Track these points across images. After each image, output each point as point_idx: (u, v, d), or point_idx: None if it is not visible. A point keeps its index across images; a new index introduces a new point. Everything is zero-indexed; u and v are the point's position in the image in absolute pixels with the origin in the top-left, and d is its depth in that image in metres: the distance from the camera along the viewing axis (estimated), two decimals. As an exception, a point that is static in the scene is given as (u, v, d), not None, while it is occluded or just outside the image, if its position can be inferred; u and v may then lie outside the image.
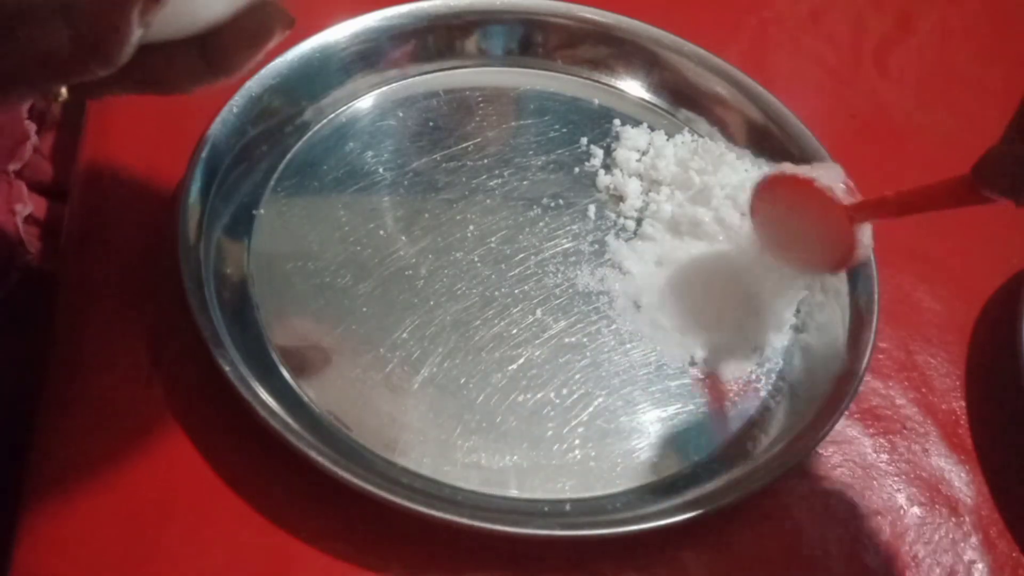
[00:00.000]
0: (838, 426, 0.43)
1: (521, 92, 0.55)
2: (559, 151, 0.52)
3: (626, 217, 0.50)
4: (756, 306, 0.47)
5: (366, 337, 0.43)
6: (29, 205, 0.49)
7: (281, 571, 0.37)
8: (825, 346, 0.46)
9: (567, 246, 0.48)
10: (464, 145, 0.51)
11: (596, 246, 0.49)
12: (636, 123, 0.54)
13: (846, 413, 0.43)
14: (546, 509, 0.40)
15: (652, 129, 0.53)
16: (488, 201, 0.49)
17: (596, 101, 0.55)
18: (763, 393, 0.45)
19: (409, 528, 0.38)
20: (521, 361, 0.44)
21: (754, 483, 0.40)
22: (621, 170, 0.52)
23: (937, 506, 0.44)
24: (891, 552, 0.42)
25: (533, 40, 0.55)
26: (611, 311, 0.46)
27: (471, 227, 0.48)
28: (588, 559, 0.39)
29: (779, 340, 0.47)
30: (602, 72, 0.56)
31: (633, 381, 0.44)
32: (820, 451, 0.44)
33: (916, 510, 0.44)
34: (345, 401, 0.41)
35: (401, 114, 0.52)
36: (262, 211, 0.46)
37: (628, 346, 0.45)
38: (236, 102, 0.46)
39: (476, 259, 0.47)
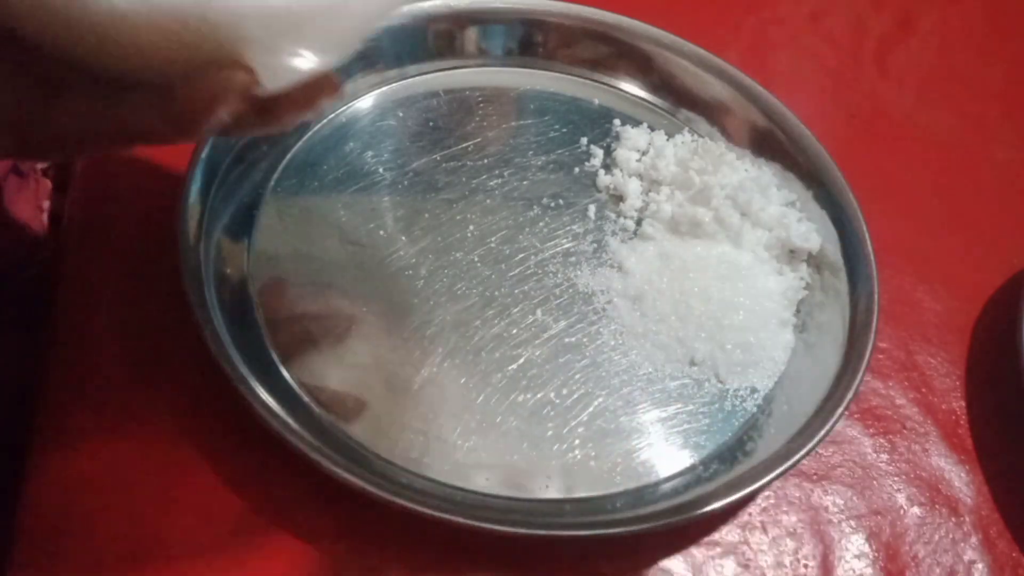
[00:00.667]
0: (838, 426, 0.43)
1: (521, 92, 0.55)
2: (559, 151, 0.52)
3: (626, 217, 0.50)
4: (756, 306, 0.47)
5: (366, 337, 0.43)
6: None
7: (281, 571, 0.37)
8: (825, 346, 0.46)
9: (567, 246, 0.48)
10: (464, 145, 0.51)
11: (596, 246, 0.49)
12: (636, 123, 0.54)
13: (846, 413, 0.43)
14: (546, 509, 0.40)
15: (652, 129, 0.53)
16: (488, 201, 0.49)
17: (596, 101, 0.55)
18: (763, 393, 0.45)
19: (409, 528, 0.38)
20: (521, 361, 0.44)
21: (754, 483, 0.40)
22: (621, 170, 0.52)
23: (937, 506, 0.44)
24: (891, 552, 0.42)
25: (533, 40, 0.55)
26: (611, 311, 0.46)
27: (471, 227, 0.48)
28: (588, 559, 0.39)
29: (779, 340, 0.47)
30: (602, 72, 0.56)
31: (633, 381, 0.44)
32: (820, 451, 0.44)
33: (916, 510, 0.44)
34: (345, 401, 0.41)
35: (401, 114, 0.52)
36: (262, 211, 0.46)
37: (628, 346, 0.45)
38: (236, 102, 0.46)
39: (476, 259, 0.47)
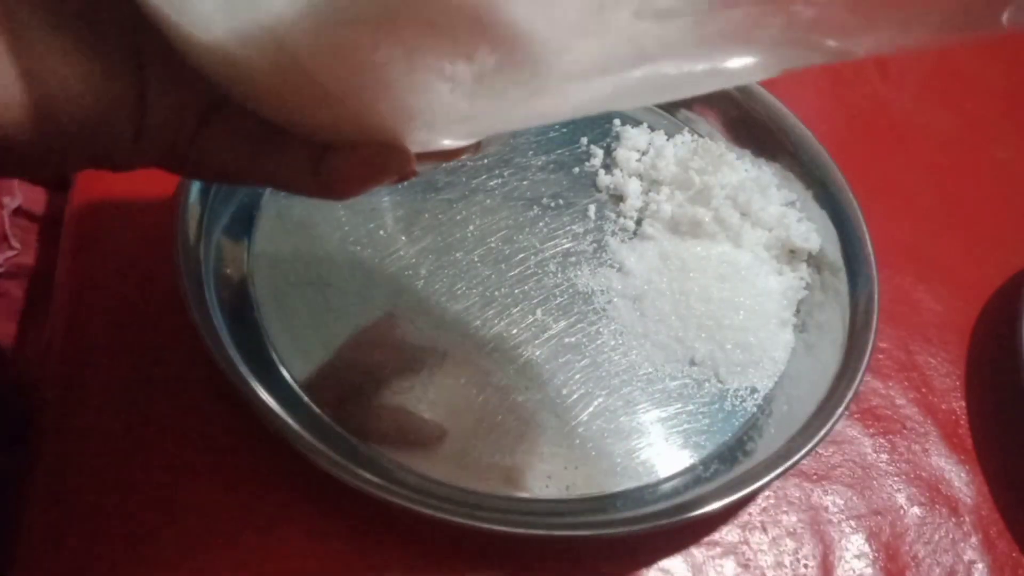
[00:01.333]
0: (838, 426, 0.43)
1: (521, 92, 0.55)
2: (559, 151, 0.52)
3: (626, 217, 0.50)
4: (756, 306, 0.47)
5: (366, 337, 0.43)
6: (18, 197, 0.49)
7: (281, 571, 0.37)
8: (825, 346, 0.46)
9: (567, 246, 0.48)
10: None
11: (596, 246, 0.49)
12: (636, 123, 0.54)
13: (846, 413, 0.43)
14: (546, 509, 0.40)
15: (652, 129, 0.54)
16: (488, 201, 0.49)
17: (596, 101, 0.55)
18: (763, 393, 0.45)
19: (409, 528, 0.38)
20: (521, 361, 0.44)
21: (754, 483, 0.40)
22: (621, 170, 0.52)
23: (937, 506, 0.44)
24: (891, 552, 0.42)
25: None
26: (611, 311, 0.46)
27: (471, 227, 0.48)
28: (588, 559, 0.39)
29: (779, 340, 0.47)
30: (602, 72, 0.56)
31: (633, 381, 0.44)
32: (820, 451, 0.44)
33: (916, 510, 0.44)
34: (345, 401, 0.41)
35: (401, 114, 0.52)
36: (262, 211, 0.46)
37: (628, 346, 0.45)
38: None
39: (476, 259, 0.47)
